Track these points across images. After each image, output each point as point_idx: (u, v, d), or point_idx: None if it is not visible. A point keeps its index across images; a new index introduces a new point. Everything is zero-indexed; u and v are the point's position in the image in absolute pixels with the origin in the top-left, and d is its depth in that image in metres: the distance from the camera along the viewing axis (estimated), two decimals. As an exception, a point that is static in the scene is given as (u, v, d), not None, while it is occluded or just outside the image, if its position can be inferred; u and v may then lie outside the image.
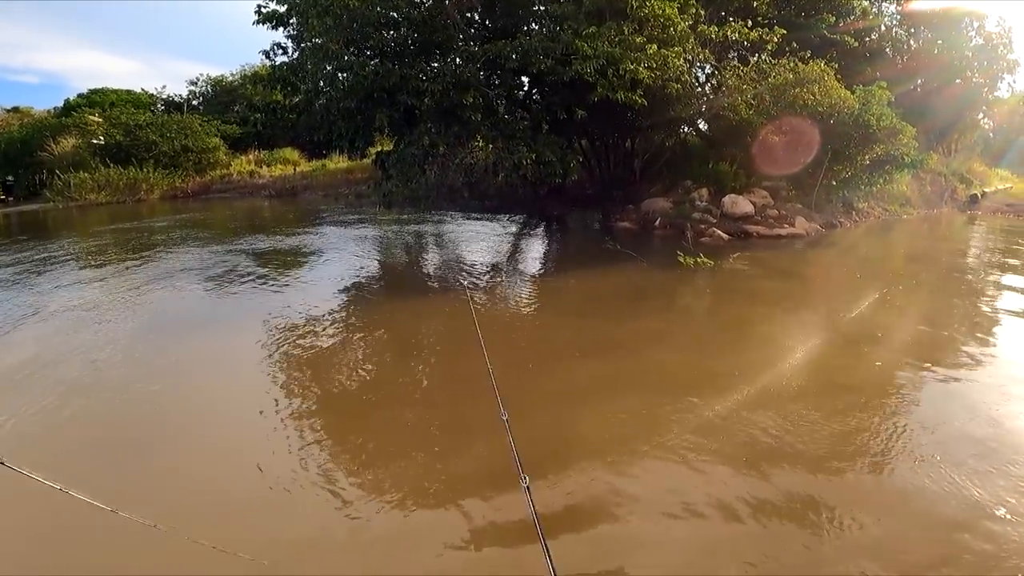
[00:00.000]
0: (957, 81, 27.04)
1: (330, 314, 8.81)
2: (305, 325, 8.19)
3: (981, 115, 31.42)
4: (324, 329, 8.09)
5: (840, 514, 4.03)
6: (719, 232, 14.87)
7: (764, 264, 12.62)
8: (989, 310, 9.26)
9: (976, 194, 24.31)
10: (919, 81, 25.27)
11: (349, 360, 7.10)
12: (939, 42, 26.23)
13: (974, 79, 27.72)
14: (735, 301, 9.87)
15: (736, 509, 4.09)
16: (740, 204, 15.90)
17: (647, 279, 11.33)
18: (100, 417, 5.66)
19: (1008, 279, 11.50)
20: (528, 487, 2.20)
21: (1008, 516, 3.96)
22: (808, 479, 4.45)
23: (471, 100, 13.66)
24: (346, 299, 9.84)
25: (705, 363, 6.87)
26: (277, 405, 5.74)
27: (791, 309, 9.32)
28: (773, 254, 13.58)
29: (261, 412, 5.59)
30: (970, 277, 12.01)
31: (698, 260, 11.76)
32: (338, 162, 30.81)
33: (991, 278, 11.71)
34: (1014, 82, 30.74)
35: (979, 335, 7.88)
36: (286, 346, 7.38)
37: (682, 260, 11.80)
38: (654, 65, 13.74)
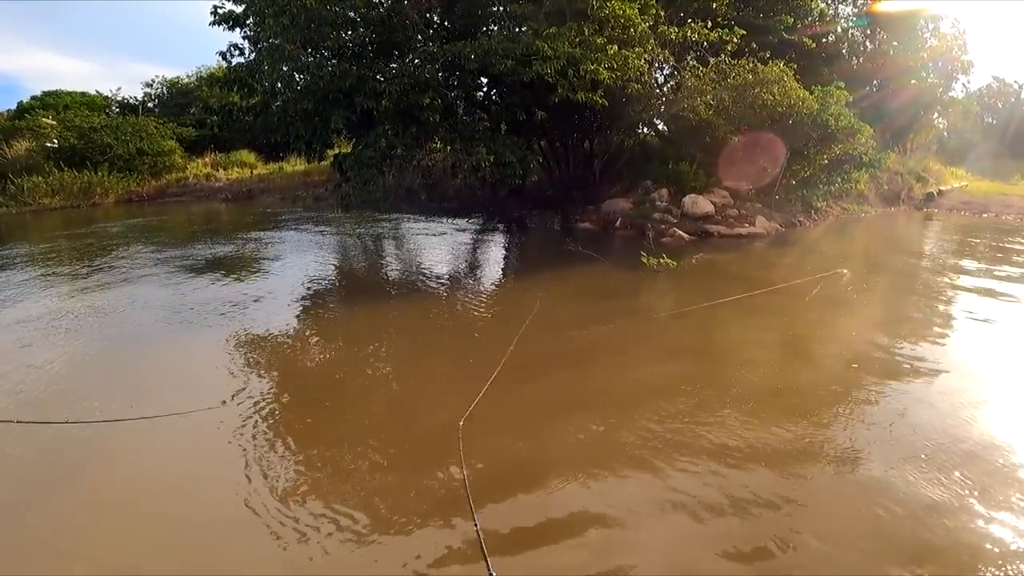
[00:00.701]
0: (913, 82, 27.49)
1: (286, 324, 8.56)
2: (262, 337, 7.96)
3: (936, 115, 32.04)
4: (280, 341, 7.86)
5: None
6: (680, 232, 14.89)
7: (727, 264, 12.65)
8: (959, 312, 9.34)
9: (932, 192, 24.67)
10: (875, 82, 25.64)
11: (301, 371, 6.94)
12: (895, 44, 26.62)
13: (929, 79, 28.21)
14: (699, 302, 9.65)
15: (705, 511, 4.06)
16: (701, 204, 15.94)
17: (610, 281, 11.27)
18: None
19: (972, 277, 11.69)
20: (478, 529, 2.08)
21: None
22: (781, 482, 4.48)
23: (429, 101, 13.51)
24: (302, 308, 9.60)
25: (669, 370, 6.78)
26: (222, 422, 5.58)
27: (755, 311, 9.20)
28: (735, 254, 13.62)
29: (219, 424, 5.47)
30: (935, 277, 12.07)
31: (661, 261, 11.70)
32: (295, 164, 30.45)
33: (958, 278, 11.72)
34: (968, 82, 31.43)
35: (942, 337, 8.05)
36: (240, 357, 7.19)
37: (645, 261, 11.76)
38: (615, 66, 13.71)
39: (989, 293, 10.28)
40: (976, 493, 4.28)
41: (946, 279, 11.60)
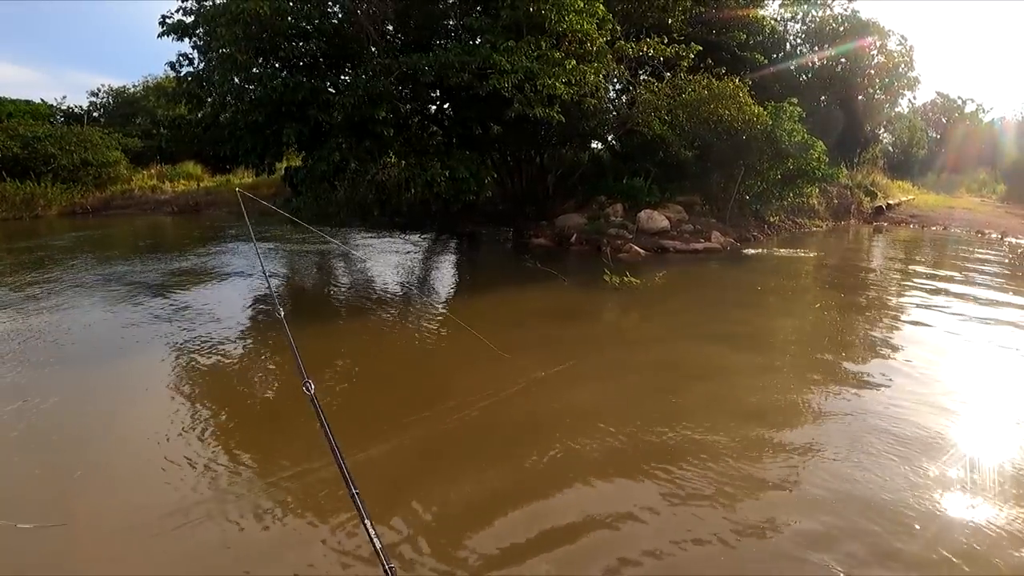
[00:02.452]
0: (860, 98, 28.05)
1: (226, 346, 8.11)
2: (203, 360, 7.56)
3: (882, 129, 32.76)
4: (219, 364, 7.46)
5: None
6: (636, 248, 14.86)
7: (691, 282, 12.66)
8: (920, 325, 9.44)
9: (881, 206, 25.16)
10: (823, 98, 26.07)
11: (232, 400, 6.59)
12: (843, 61, 27.12)
13: (876, 96, 28.81)
14: (672, 327, 9.37)
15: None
16: (656, 219, 15.96)
17: (572, 301, 10.97)
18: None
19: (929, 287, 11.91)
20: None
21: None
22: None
23: (383, 115, 13.29)
24: (245, 328, 9.19)
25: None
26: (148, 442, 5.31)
27: (735, 336, 8.71)
28: (697, 270, 13.68)
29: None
30: (897, 289, 12.32)
31: (624, 279, 11.32)
32: (243, 177, 29.66)
33: (916, 292, 11.93)
34: (914, 98, 32.21)
35: (901, 352, 8.07)
36: (178, 381, 6.88)
37: (608, 279, 11.35)
38: (572, 80, 13.65)
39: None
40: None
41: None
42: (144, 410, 6.20)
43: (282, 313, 4.09)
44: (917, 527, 4.11)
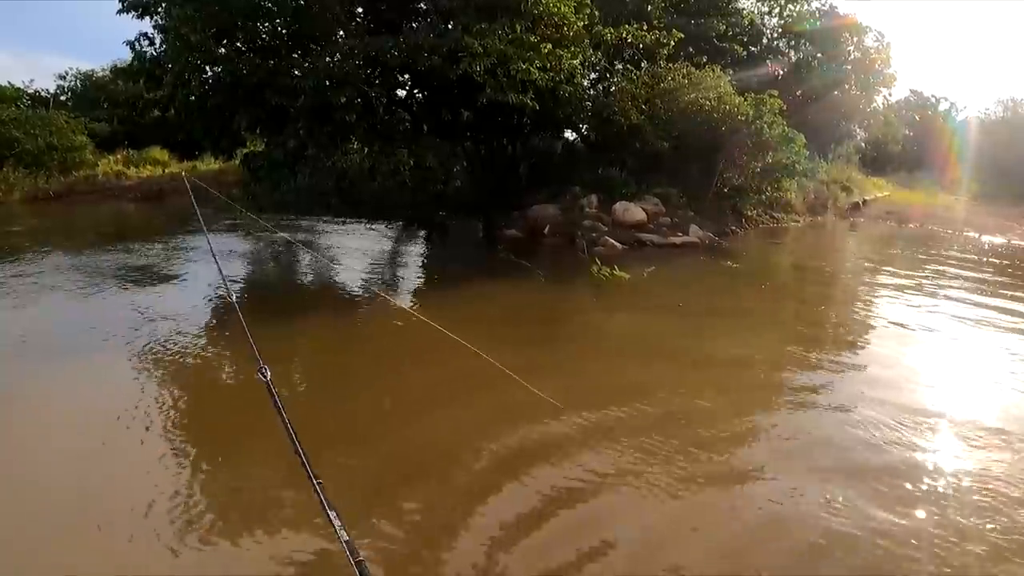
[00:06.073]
0: (836, 93, 27.90)
1: (185, 341, 7.43)
2: (159, 352, 6.87)
3: (856, 125, 32.63)
4: (179, 359, 6.85)
5: None
6: (612, 241, 14.36)
7: (683, 279, 12.14)
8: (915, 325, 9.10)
9: (858, 202, 25.00)
10: (798, 92, 25.82)
11: (187, 390, 6.03)
12: (819, 55, 26.97)
13: (852, 91, 28.69)
14: (683, 333, 8.55)
15: None
16: (632, 212, 15.47)
17: (557, 300, 10.33)
18: None
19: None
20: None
21: None
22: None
23: (345, 100, 12.62)
24: (199, 318, 8.49)
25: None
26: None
27: (748, 340, 8.12)
28: (680, 266, 13.20)
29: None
30: (881, 286, 12.05)
31: (613, 274, 10.71)
32: (210, 163, 28.93)
33: (896, 287, 11.70)
34: (890, 95, 32.17)
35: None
36: (132, 374, 6.30)
37: (594, 273, 10.77)
38: (547, 66, 13.14)
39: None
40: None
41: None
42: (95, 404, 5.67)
43: (234, 297, 3.81)
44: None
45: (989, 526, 3.95)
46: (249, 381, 4.99)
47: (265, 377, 2.80)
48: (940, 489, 4.39)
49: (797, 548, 3.76)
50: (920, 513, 4.08)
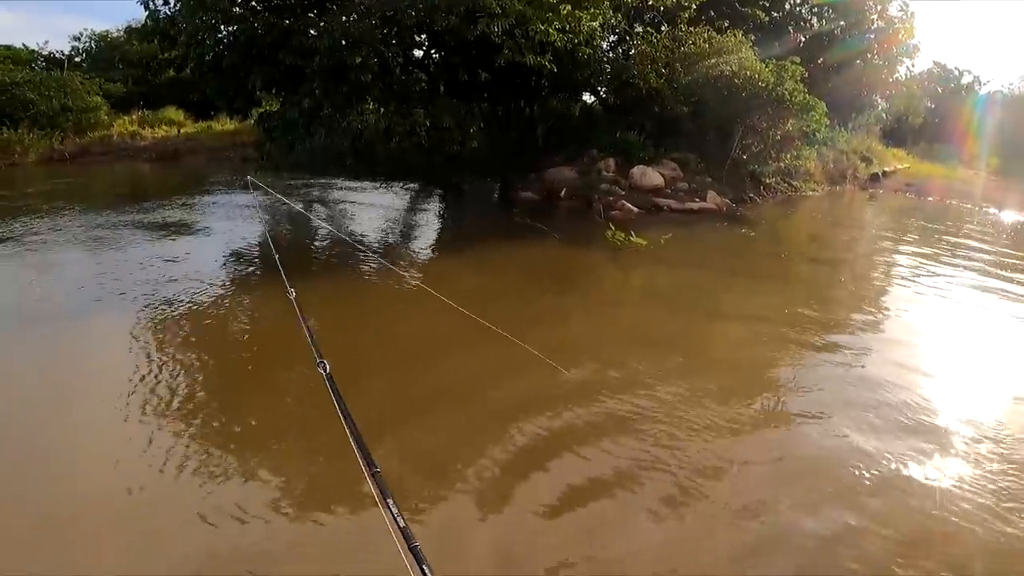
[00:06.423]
0: (858, 62, 27.41)
1: (206, 300, 7.42)
2: (185, 313, 6.94)
3: (878, 96, 32.13)
4: (200, 318, 6.88)
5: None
6: (629, 205, 14.25)
7: (700, 247, 11.97)
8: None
9: (877, 173, 24.66)
10: (820, 60, 25.38)
11: (218, 352, 6.10)
12: (841, 23, 26.47)
13: (874, 60, 28.18)
14: (693, 307, 8.20)
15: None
16: (650, 176, 15.32)
17: (573, 264, 10.23)
18: None
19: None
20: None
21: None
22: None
23: (361, 60, 12.47)
24: (225, 283, 8.41)
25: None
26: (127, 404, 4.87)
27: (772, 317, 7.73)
28: (699, 232, 13.05)
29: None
30: (898, 258, 11.88)
31: (629, 239, 10.61)
32: (224, 124, 28.90)
33: (914, 260, 11.52)
34: (912, 66, 31.58)
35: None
36: (158, 337, 6.32)
37: (610, 237, 10.69)
38: (566, 27, 12.95)
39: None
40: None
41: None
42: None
43: (293, 294, 3.94)
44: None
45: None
46: (306, 373, 4.93)
47: (325, 371, 2.83)
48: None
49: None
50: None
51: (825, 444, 4.73)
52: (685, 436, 4.68)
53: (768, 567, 3.48)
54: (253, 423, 4.76)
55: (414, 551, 1.79)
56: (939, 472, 4.36)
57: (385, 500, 1.99)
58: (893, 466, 4.42)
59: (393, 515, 1.93)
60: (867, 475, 4.29)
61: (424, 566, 1.74)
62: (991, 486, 4.22)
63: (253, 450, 4.40)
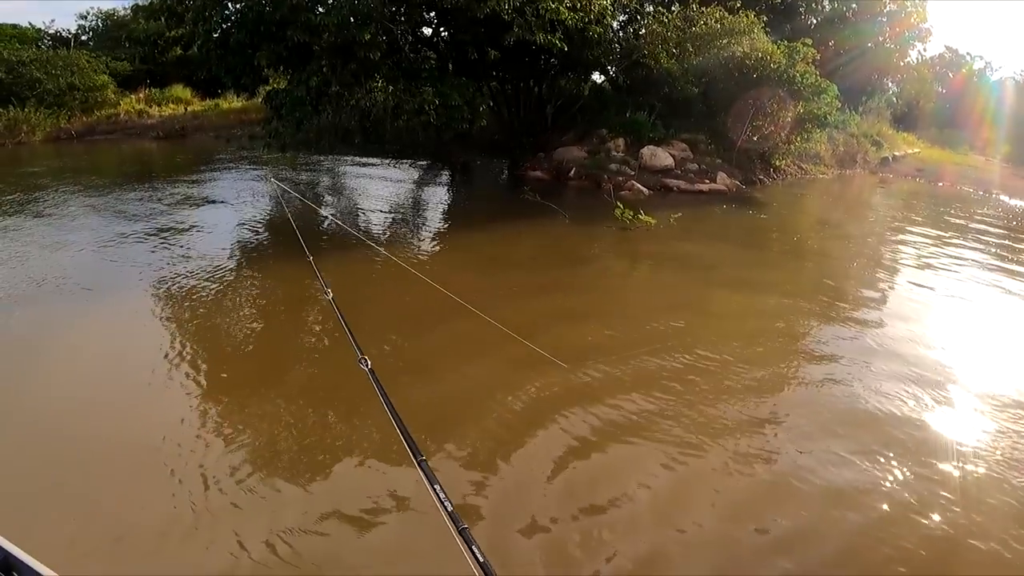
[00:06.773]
0: (869, 45, 27.15)
1: (219, 278, 7.52)
2: (194, 291, 7.00)
3: (888, 80, 31.85)
4: (213, 295, 6.96)
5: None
6: (638, 185, 14.19)
7: (710, 226, 11.93)
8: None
9: (887, 157, 24.48)
10: (831, 43, 25.15)
11: (233, 330, 6.20)
12: (853, 6, 26.21)
13: (886, 44, 27.91)
14: (704, 282, 8.27)
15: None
16: (660, 156, 15.23)
17: (581, 241, 10.26)
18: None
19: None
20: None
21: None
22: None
23: (370, 37, 12.34)
24: (237, 260, 8.51)
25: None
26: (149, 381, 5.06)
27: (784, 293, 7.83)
28: (708, 213, 12.97)
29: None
30: (908, 243, 11.73)
31: (637, 217, 10.61)
32: (232, 102, 28.86)
33: (923, 246, 11.41)
34: (924, 50, 31.24)
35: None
36: (168, 315, 6.47)
37: (618, 216, 10.67)
38: (577, 5, 12.83)
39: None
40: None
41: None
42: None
43: (330, 295, 3.91)
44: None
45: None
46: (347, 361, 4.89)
47: (367, 366, 2.85)
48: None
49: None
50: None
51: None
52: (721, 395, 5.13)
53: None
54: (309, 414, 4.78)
55: (463, 534, 1.81)
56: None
57: (432, 486, 2.02)
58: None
59: (440, 499, 1.96)
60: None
61: (474, 547, 1.76)
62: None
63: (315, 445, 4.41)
